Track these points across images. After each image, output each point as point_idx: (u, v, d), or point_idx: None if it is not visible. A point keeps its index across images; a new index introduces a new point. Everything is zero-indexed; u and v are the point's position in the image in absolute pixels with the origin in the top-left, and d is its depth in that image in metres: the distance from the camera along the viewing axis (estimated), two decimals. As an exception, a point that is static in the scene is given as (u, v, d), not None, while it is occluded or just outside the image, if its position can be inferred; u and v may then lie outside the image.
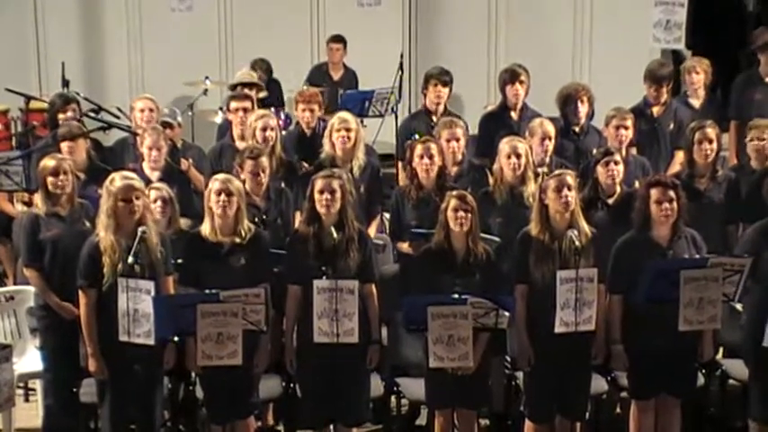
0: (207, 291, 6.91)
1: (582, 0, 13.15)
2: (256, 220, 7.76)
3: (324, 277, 6.97)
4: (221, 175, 7.48)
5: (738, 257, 7.30)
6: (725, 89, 10.57)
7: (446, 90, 9.79)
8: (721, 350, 7.97)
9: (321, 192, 7.35)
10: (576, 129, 9.43)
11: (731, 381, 8.04)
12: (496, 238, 7.80)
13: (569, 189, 7.32)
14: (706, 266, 7.12)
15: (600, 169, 8.13)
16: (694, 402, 7.79)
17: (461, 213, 7.26)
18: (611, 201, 8.08)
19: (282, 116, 9.90)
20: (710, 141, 8.47)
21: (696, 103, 10.15)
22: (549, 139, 8.72)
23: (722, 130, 9.03)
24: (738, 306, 7.50)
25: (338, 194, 7.34)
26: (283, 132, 9.30)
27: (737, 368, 7.87)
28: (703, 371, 7.85)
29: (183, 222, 8.07)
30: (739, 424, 7.94)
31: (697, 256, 7.32)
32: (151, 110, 9.43)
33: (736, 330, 7.70)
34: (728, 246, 7.92)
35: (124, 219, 7.13)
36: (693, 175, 8.47)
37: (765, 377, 7.55)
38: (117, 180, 7.23)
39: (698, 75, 10.24)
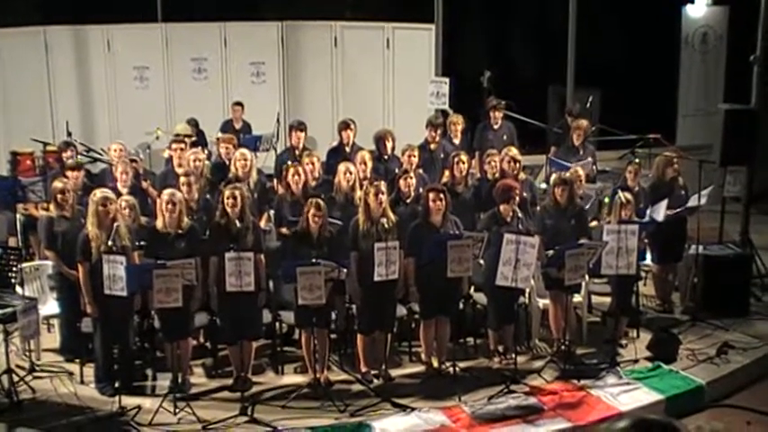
0: (159, 261, 6.75)
1: (388, 79, 13.15)
2: (193, 217, 7.60)
3: (231, 251, 6.82)
4: (168, 190, 7.33)
5: (480, 233, 7.44)
6: (472, 132, 10.67)
7: (302, 134, 9.66)
8: (472, 287, 8.05)
9: (228, 198, 7.24)
10: (385, 156, 9.40)
11: (478, 306, 8.14)
12: (339, 222, 7.74)
13: (382, 194, 7.35)
14: (462, 238, 7.24)
15: (401, 182, 8.15)
16: (457, 319, 7.86)
17: (315, 212, 7.22)
18: (408, 200, 8.08)
19: (207, 152, 9.70)
20: (464, 163, 8.53)
21: (456, 141, 10.14)
22: (367, 163, 8.70)
23: (471, 157, 9.14)
24: (481, 261, 7.59)
25: (239, 199, 7.23)
26: (207, 162, 9.08)
27: (481, 298, 7.99)
28: (462, 300, 7.95)
29: (143, 219, 7.86)
30: (483, 331, 8.05)
31: (457, 233, 7.40)
32: (122, 150, 9.17)
33: (481, 275, 7.79)
34: (475, 226, 8.00)
35: (103, 218, 6.98)
36: (454, 184, 8.48)
37: (495, 304, 7.73)
38: (98, 194, 7.10)
39: (456, 125, 10.25)
